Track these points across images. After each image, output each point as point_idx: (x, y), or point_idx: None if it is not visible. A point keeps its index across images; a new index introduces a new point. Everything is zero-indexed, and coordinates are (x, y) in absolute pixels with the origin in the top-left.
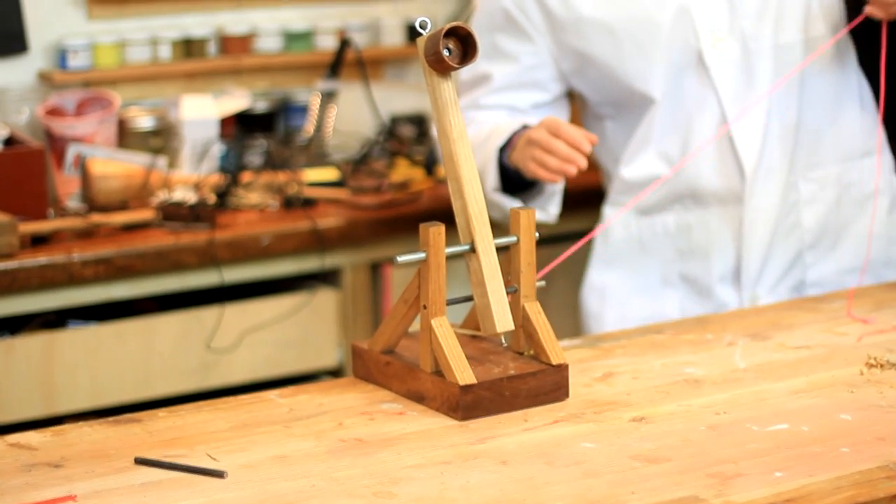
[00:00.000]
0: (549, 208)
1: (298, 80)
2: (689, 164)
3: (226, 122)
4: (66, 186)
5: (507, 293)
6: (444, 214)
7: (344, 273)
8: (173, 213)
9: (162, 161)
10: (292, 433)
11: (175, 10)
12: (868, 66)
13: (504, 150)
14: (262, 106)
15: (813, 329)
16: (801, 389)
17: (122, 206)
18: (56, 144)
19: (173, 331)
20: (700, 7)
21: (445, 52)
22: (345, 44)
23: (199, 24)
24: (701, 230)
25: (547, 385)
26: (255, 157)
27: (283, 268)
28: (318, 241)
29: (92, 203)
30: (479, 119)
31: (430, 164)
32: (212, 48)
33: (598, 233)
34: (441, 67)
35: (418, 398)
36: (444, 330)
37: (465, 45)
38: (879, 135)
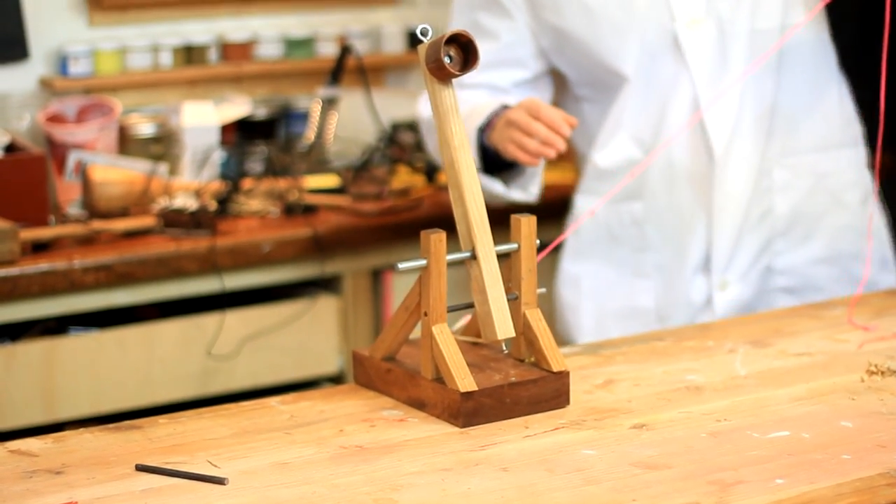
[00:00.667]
0: (529, 188)
1: (299, 86)
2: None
3: (226, 129)
4: (67, 193)
5: (508, 300)
6: (445, 221)
7: (345, 280)
8: (174, 220)
9: (163, 168)
10: (293, 440)
11: (176, 17)
12: (848, 68)
13: (484, 130)
14: (262, 113)
15: (814, 336)
16: (802, 396)
17: (123, 212)
18: (57, 151)
19: (174, 337)
20: None
21: (447, 60)
22: (346, 51)
23: (199, 31)
24: (672, 216)
25: (548, 392)
26: (255, 164)
27: (284, 274)
28: (319, 248)
29: (93, 210)
30: (461, 98)
31: (430, 171)
32: (213, 55)
33: (582, 223)
34: (442, 74)
35: (419, 405)
36: (445, 337)
37: (466, 52)
38: (881, 125)
